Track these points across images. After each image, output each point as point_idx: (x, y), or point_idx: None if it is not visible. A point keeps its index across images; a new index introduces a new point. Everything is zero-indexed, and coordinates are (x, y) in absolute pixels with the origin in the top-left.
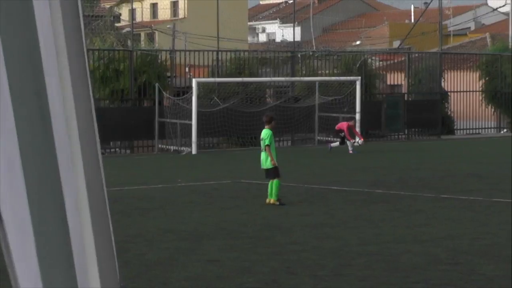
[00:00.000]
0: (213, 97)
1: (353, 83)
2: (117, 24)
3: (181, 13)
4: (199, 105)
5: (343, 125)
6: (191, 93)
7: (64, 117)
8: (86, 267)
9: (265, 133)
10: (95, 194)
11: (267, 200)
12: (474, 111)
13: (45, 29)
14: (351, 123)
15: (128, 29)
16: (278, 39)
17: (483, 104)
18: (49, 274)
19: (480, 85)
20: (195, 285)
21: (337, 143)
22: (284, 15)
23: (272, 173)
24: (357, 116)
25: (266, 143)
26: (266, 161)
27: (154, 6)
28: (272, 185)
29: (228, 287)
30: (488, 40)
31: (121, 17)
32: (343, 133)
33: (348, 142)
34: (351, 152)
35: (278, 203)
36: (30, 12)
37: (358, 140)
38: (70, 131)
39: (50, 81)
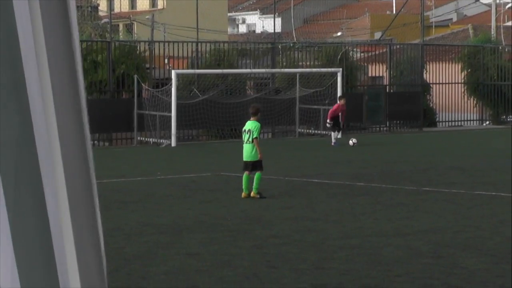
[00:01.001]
0: (192, 89)
1: (334, 75)
2: (95, 15)
3: (160, 4)
4: (178, 97)
5: (334, 109)
6: (170, 84)
7: (44, 112)
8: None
9: (253, 125)
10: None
11: (243, 194)
12: (456, 103)
13: (24, 23)
14: (341, 102)
15: (106, 19)
16: (258, 30)
17: (465, 96)
18: (27, 272)
19: (462, 77)
20: (175, 279)
21: (336, 134)
22: (265, 6)
23: (258, 166)
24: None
25: (254, 136)
26: (251, 153)
27: None
28: (255, 178)
29: (208, 281)
30: (470, 31)
31: (99, 7)
32: (332, 121)
33: (332, 134)
34: (333, 144)
35: (258, 196)
36: (9, 5)
37: (354, 140)
38: (49, 125)
39: (29, 76)
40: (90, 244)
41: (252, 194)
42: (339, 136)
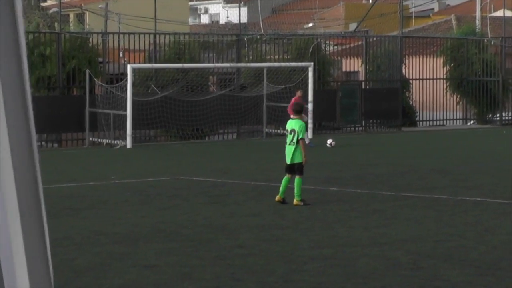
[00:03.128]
0: (150, 85)
1: (305, 69)
2: (43, 4)
3: None
4: (134, 94)
5: (292, 103)
6: (126, 80)
7: None
8: (14, 268)
9: (298, 124)
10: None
11: (277, 198)
12: (438, 101)
13: None
14: (298, 93)
15: (55, 9)
16: (222, 20)
17: (448, 93)
18: None
19: (445, 72)
20: None
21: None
22: None
23: (299, 169)
24: (310, 106)
25: (300, 136)
26: (295, 155)
27: None
28: (295, 184)
29: None
30: (454, 22)
31: None
32: None
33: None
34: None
35: (302, 203)
36: None
37: (330, 141)
38: None
39: None
40: (36, 255)
41: (294, 202)
42: (310, 135)
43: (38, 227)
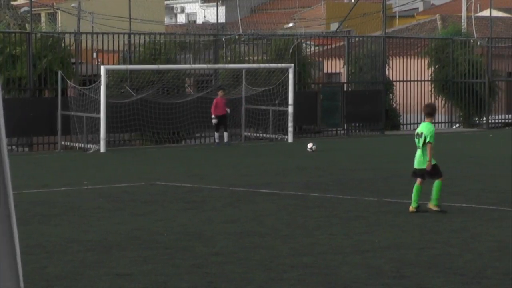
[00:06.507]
0: (124, 87)
1: (285, 71)
2: (13, 3)
3: None
4: (108, 96)
5: (214, 104)
6: (99, 82)
7: None
8: None
9: (427, 128)
10: None
11: (411, 208)
12: (422, 103)
13: None
14: (220, 94)
15: (26, 8)
16: (200, 20)
17: (433, 96)
18: None
19: (429, 73)
20: None
21: (219, 134)
22: None
23: (433, 172)
24: (290, 109)
25: (430, 140)
26: (423, 159)
27: None
28: (434, 187)
29: None
30: (438, 22)
31: None
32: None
33: (216, 134)
34: (216, 143)
35: (438, 209)
36: None
37: (311, 145)
38: None
39: None
40: (5, 263)
41: (430, 206)
42: (226, 139)
43: (7, 235)
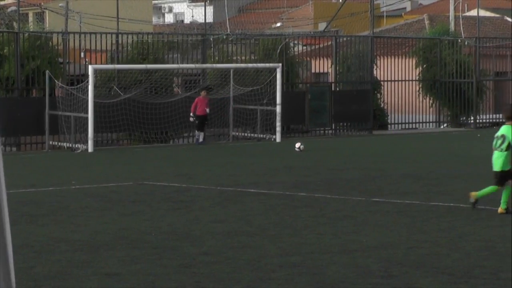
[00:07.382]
0: (112, 87)
1: (272, 71)
2: (0, 2)
3: None
4: (96, 96)
5: (194, 104)
6: (87, 81)
7: None
8: None
9: (509, 130)
10: None
11: (500, 210)
12: (410, 103)
13: None
14: (202, 94)
15: (13, 7)
16: (187, 20)
17: (421, 95)
18: None
19: (417, 73)
20: None
21: (201, 134)
22: None
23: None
24: (278, 109)
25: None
26: (502, 161)
27: None
28: (504, 189)
29: None
30: (426, 22)
31: None
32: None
33: (197, 133)
34: (199, 142)
35: (506, 212)
36: None
37: (300, 146)
38: None
39: None
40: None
41: (499, 210)
42: (201, 139)
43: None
